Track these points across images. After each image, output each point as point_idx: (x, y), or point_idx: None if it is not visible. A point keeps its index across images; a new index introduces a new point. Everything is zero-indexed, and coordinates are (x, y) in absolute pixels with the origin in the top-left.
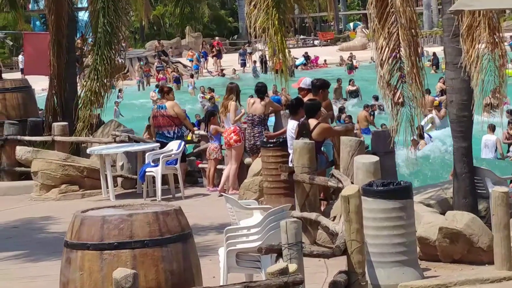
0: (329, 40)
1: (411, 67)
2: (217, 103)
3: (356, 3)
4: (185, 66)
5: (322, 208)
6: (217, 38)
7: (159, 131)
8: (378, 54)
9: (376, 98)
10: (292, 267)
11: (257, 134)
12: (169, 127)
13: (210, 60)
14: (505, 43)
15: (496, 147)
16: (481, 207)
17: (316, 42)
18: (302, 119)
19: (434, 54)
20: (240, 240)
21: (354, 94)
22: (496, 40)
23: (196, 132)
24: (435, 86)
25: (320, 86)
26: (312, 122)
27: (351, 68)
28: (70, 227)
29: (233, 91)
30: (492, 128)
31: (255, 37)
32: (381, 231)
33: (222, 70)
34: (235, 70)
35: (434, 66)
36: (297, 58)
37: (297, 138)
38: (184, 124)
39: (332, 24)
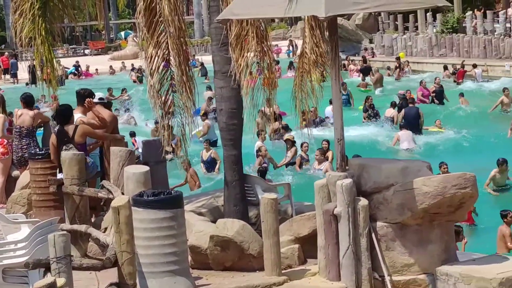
0: (100, 49)
1: (181, 76)
2: None
3: (127, 12)
4: None
5: (93, 220)
6: None
7: None
8: (148, 63)
9: None
10: (60, 281)
11: (25, 146)
12: None
13: None
14: (284, 51)
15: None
16: (252, 214)
17: (87, 51)
18: (57, 127)
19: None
20: (7, 255)
21: (127, 103)
22: (265, 48)
23: None
24: None
25: (87, 95)
26: (70, 127)
27: (142, 80)
28: None
29: None
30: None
31: (21, 46)
32: (152, 241)
33: None
34: None
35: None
36: (67, 68)
37: (58, 147)
38: None
39: (103, 33)
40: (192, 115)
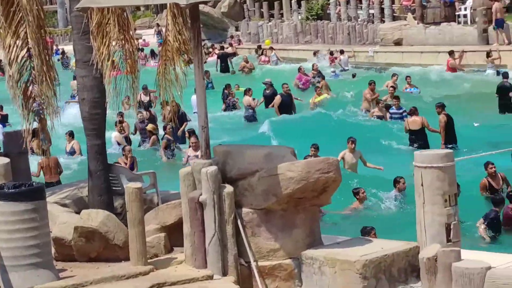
0: None
1: (41, 66)
2: None
3: None
4: None
5: None
6: None
7: None
8: (6, 53)
9: None
10: None
11: None
12: None
13: None
14: (155, 40)
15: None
16: (117, 204)
17: None
18: None
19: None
20: None
21: None
22: (127, 37)
23: None
24: None
25: None
26: None
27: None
28: None
29: None
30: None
31: None
32: (14, 234)
33: None
34: None
35: None
36: None
37: None
38: None
39: None
40: (53, 104)
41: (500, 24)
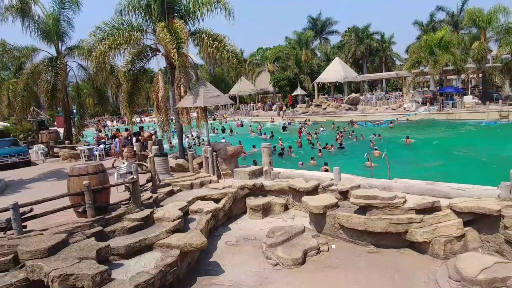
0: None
1: (163, 120)
2: None
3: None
4: None
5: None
6: None
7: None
8: (157, 117)
9: None
10: (135, 178)
11: (123, 142)
12: None
13: None
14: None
15: None
16: (186, 157)
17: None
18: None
19: None
20: (120, 169)
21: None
22: (189, 116)
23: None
24: None
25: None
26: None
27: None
28: None
29: None
30: None
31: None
32: (159, 165)
33: None
34: None
35: None
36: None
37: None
38: None
39: None
40: (168, 131)
41: None
